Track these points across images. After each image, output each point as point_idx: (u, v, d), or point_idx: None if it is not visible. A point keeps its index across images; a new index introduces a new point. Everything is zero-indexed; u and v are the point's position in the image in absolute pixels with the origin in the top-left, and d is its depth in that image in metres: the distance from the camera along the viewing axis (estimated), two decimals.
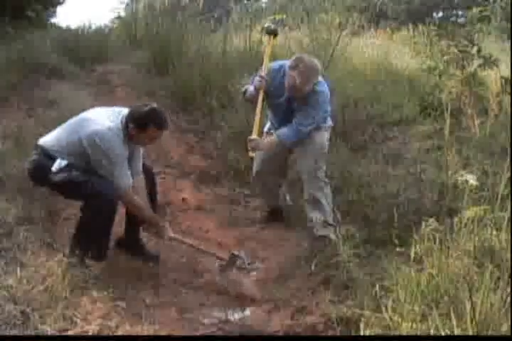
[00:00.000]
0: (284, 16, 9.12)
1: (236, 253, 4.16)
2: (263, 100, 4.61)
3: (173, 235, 4.13)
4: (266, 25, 4.87)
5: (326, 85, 4.52)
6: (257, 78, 4.54)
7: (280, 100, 4.58)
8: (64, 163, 3.76)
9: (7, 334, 2.87)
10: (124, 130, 3.79)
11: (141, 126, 3.76)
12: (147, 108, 3.81)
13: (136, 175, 4.00)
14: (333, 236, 4.32)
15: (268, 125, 4.88)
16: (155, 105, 3.89)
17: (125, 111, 3.88)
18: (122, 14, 11.22)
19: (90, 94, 7.22)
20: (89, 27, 9.50)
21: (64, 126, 3.94)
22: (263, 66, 4.64)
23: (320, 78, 4.47)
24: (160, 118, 3.83)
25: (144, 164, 4.15)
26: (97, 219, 3.76)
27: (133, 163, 3.98)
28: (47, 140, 3.90)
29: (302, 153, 4.60)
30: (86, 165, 3.78)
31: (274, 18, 7.49)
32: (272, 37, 4.83)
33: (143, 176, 4.09)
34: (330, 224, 4.46)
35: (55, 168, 3.75)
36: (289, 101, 4.53)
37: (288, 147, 4.65)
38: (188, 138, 6.77)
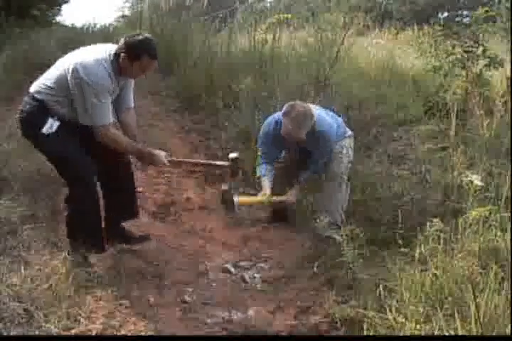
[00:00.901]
0: (289, 16, 9.11)
1: (235, 156, 4.18)
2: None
3: (169, 159, 4.07)
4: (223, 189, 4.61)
5: (324, 118, 4.57)
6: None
7: (289, 147, 4.74)
8: (56, 124, 3.67)
9: (11, 332, 2.87)
10: (114, 63, 3.70)
11: (134, 55, 3.66)
12: (141, 37, 3.73)
13: (127, 110, 3.97)
14: (337, 237, 4.32)
15: (263, 169, 4.83)
16: (147, 35, 3.83)
17: (113, 47, 3.78)
18: (127, 13, 11.25)
19: None
20: (94, 26, 9.53)
21: (51, 69, 3.85)
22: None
23: (319, 112, 4.55)
24: (153, 47, 3.76)
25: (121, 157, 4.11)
26: (83, 209, 3.78)
27: (125, 96, 3.94)
28: (37, 84, 3.79)
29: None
30: (73, 100, 3.68)
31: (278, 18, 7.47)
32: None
33: (134, 111, 4.06)
34: (335, 225, 4.47)
35: (46, 129, 3.65)
36: (295, 143, 4.61)
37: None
38: (192, 137, 6.77)
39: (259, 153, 4.81)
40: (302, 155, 4.76)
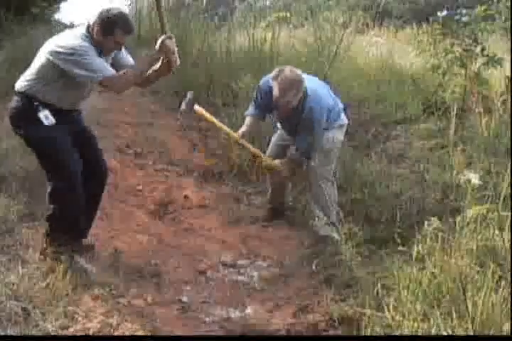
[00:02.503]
0: (288, 14, 9.12)
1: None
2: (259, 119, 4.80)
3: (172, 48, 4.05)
4: (181, 109, 4.68)
5: (320, 95, 4.50)
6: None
7: (278, 110, 4.63)
8: (49, 115, 3.66)
9: (8, 330, 2.87)
10: (90, 37, 3.67)
11: (107, 29, 3.64)
12: (114, 11, 3.70)
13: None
14: (336, 236, 4.32)
15: (251, 111, 4.84)
16: (121, 9, 3.82)
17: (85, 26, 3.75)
18: (127, 11, 11.24)
19: (93, 92, 7.20)
20: None
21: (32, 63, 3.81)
22: (220, 127, 4.73)
23: (313, 85, 4.50)
24: (127, 21, 3.74)
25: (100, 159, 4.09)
26: (68, 203, 3.75)
27: (121, 61, 3.93)
28: (20, 80, 3.78)
29: (312, 152, 4.62)
30: (68, 88, 3.70)
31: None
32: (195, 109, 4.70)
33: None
34: (333, 224, 4.46)
35: (46, 122, 3.66)
36: (286, 111, 4.54)
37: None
38: (191, 136, 6.76)
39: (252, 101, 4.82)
40: (291, 127, 4.67)
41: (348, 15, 9.11)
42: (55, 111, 3.69)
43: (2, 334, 2.85)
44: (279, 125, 4.90)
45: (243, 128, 4.65)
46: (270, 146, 4.93)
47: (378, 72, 7.80)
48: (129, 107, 7.09)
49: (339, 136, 4.70)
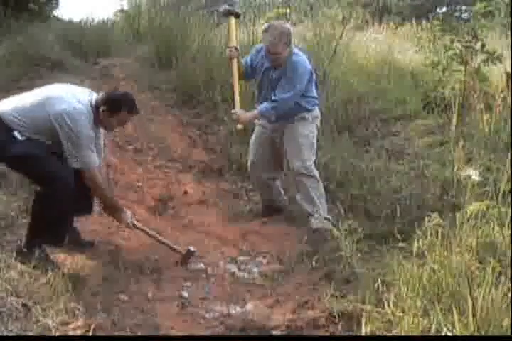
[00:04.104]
0: (288, 10, 9.10)
1: (192, 249, 4.20)
2: (240, 72, 4.78)
3: (133, 220, 4.12)
4: (221, 9, 4.89)
5: (304, 57, 4.65)
6: (227, 49, 4.71)
7: (262, 75, 4.73)
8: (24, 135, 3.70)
9: (9, 327, 2.87)
10: (94, 113, 3.82)
11: (114, 109, 3.83)
12: (121, 92, 3.97)
13: (99, 159, 3.97)
14: (327, 226, 4.41)
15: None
16: (127, 91, 4.09)
17: (93, 94, 3.95)
18: (125, 7, 11.21)
19: (93, 88, 7.18)
20: (92, 20, 9.47)
21: (26, 99, 3.83)
22: (231, 37, 4.78)
23: (298, 51, 4.66)
24: (132, 102, 3.94)
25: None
26: (53, 205, 3.70)
27: (97, 146, 3.97)
28: (5, 111, 3.76)
29: (287, 145, 4.70)
30: (52, 142, 3.75)
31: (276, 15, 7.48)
32: (231, 18, 4.86)
33: (103, 162, 4.18)
34: (324, 217, 4.50)
35: (19, 136, 3.68)
36: (270, 77, 4.67)
37: (271, 134, 4.85)
38: (191, 132, 6.76)
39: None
40: (269, 93, 4.70)
41: (348, 12, 9.09)
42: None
43: (3, 332, 2.84)
44: (257, 92, 4.98)
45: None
46: (251, 148, 4.96)
47: (378, 69, 7.80)
48: None
49: (313, 128, 4.78)
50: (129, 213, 4.09)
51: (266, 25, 4.60)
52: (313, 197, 4.61)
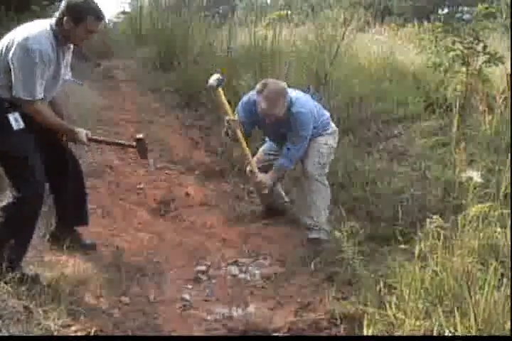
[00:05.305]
0: (289, 12, 9.10)
1: (138, 136, 4.12)
2: (245, 136, 4.63)
3: (89, 136, 3.86)
4: (209, 84, 4.49)
5: (302, 100, 4.53)
6: (226, 124, 4.50)
7: (265, 125, 4.62)
8: (18, 117, 3.49)
9: (11, 329, 2.87)
10: (56, 31, 3.51)
11: (78, 16, 3.46)
12: None
13: (63, 85, 3.82)
14: (324, 237, 4.42)
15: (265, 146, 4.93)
16: None
17: (52, 20, 3.58)
18: (127, 9, 11.23)
19: (95, 89, 7.23)
20: None
21: None
22: (226, 110, 4.54)
23: (294, 97, 4.50)
24: (97, 8, 3.56)
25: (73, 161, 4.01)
26: (26, 216, 3.54)
27: (58, 71, 3.68)
28: None
29: (306, 155, 4.62)
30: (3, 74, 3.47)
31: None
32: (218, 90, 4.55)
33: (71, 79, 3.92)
34: (322, 228, 4.48)
35: (15, 125, 3.46)
36: (274, 127, 4.58)
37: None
38: (192, 133, 6.77)
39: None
40: (280, 138, 4.68)
41: (350, 13, 9.08)
42: (24, 115, 3.54)
43: (5, 334, 2.84)
44: (267, 138, 4.95)
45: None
46: (259, 152, 4.92)
47: (379, 70, 7.80)
48: (129, 105, 7.10)
49: (332, 141, 4.73)
50: (82, 130, 3.80)
51: (259, 86, 4.39)
52: (321, 207, 4.58)
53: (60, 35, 3.53)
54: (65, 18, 3.48)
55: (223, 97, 4.50)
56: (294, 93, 4.54)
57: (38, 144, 3.63)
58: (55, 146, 3.83)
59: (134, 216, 4.84)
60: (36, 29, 3.48)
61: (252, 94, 4.57)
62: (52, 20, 3.54)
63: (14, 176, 3.57)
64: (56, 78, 3.66)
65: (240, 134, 4.50)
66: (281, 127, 4.52)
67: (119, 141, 4.23)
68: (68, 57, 3.79)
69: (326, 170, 4.66)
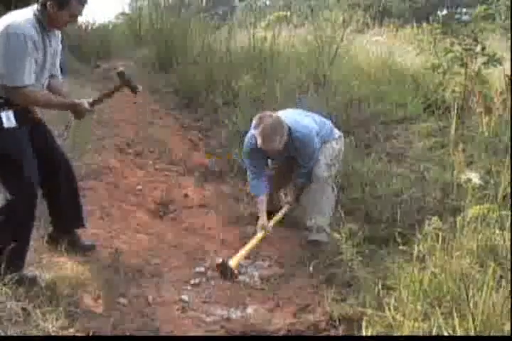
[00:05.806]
0: (289, 14, 9.12)
1: (119, 70, 4.07)
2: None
3: (90, 102, 3.84)
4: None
5: (301, 121, 4.60)
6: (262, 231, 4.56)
7: (272, 154, 4.72)
8: (11, 115, 3.42)
9: (9, 331, 2.86)
10: (40, 16, 3.47)
11: (62, 2, 3.43)
12: None
13: (52, 77, 3.76)
14: (324, 239, 4.43)
15: (254, 187, 4.89)
16: None
17: (34, 6, 3.54)
18: (127, 10, 11.24)
19: (94, 90, 7.21)
20: (94, 23, 9.49)
21: None
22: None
23: (291, 122, 4.53)
24: None
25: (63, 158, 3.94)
26: (19, 219, 3.49)
27: (48, 57, 3.62)
28: None
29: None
30: None
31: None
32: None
33: (61, 78, 3.88)
34: (324, 230, 4.48)
35: (7, 123, 3.40)
36: (278, 152, 4.62)
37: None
38: (191, 135, 6.77)
39: (247, 169, 4.86)
40: (290, 162, 4.79)
41: (349, 15, 9.10)
42: (17, 112, 3.48)
43: (2, 334, 2.84)
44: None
45: (261, 219, 4.63)
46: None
47: (378, 71, 7.80)
48: (129, 106, 7.09)
49: (337, 145, 4.80)
50: (83, 100, 3.77)
51: (255, 120, 4.42)
52: (325, 209, 4.60)
53: (44, 20, 3.50)
54: (48, 2, 3.46)
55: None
56: (288, 116, 4.60)
57: (29, 144, 3.58)
58: (46, 146, 3.80)
59: (133, 217, 4.83)
60: (19, 15, 3.47)
61: (251, 135, 4.62)
62: (35, 6, 3.51)
63: (5, 175, 3.51)
64: (44, 65, 3.60)
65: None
66: (287, 152, 4.61)
67: (111, 90, 4.11)
68: (57, 46, 3.73)
69: (333, 173, 4.72)
